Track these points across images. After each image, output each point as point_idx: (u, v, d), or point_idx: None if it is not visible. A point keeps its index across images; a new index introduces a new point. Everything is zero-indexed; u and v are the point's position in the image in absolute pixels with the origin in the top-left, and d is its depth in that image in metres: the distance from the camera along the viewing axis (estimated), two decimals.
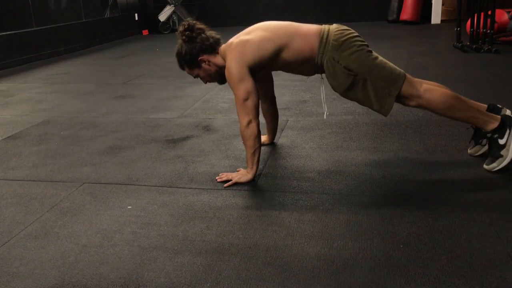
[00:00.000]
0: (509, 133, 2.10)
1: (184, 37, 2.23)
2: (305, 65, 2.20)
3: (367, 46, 2.14)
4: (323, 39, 2.11)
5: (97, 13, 8.06)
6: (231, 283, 1.50)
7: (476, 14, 5.29)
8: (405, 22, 8.30)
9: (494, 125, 2.13)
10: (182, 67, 2.34)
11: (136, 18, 9.35)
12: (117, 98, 4.10)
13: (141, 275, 1.57)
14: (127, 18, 9.05)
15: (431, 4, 8.27)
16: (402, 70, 2.12)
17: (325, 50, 2.10)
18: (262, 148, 2.65)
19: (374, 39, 6.81)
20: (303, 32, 2.15)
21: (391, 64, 2.13)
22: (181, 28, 2.25)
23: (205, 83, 2.43)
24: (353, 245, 1.67)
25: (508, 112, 2.14)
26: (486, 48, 5.14)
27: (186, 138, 2.94)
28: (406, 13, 8.21)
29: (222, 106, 3.63)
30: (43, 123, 3.45)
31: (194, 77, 2.39)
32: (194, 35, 2.23)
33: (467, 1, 6.81)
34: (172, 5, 9.12)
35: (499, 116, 2.15)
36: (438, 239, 1.67)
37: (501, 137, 2.12)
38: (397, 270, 1.51)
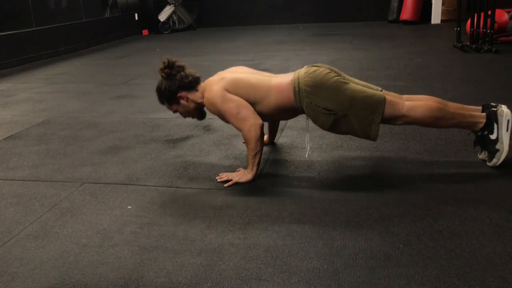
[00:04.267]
0: (497, 126, 2.13)
1: (163, 74, 2.32)
2: (287, 114, 2.30)
3: (339, 75, 2.18)
4: (296, 88, 2.16)
5: (97, 13, 8.06)
6: (231, 283, 1.50)
7: (476, 14, 5.29)
8: (405, 22, 8.30)
9: (482, 123, 2.16)
10: (161, 102, 2.42)
11: (136, 18, 9.35)
12: (117, 98, 4.10)
13: (141, 275, 1.57)
14: (127, 18, 9.05)
15: (431, 4, 8.27)
16: (380, 93, 2.15)
17: (301, 97, 2.16)
18: (263, 147, 2.65)
19: (374, 39, 6.81)
20: (277, 85, 2.21)
21: (368, 89, 2.16)
22: (161, 65, 2.35)
23: (184, 118, 2.50)
24: (353, 245, 1.67)
25: (503, 108, 2.15)
26: (486, 48, 5.14)
27: (186, 138, 2.94)
28: (406, 13, 8.21)
29: None
30: (43, 123, 3.45)
31: (173, 112, 2.46)
32: (173, 72, 2.33)
33: (467, 1, 6.81)
34: (172, 5, 9.12)
35: (484, 114, 2.17)
36: (438, 239, 1.67)
37: (491, 133, 2.15)
38: (397, 270, 1.51)
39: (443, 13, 8.29)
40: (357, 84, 2.19)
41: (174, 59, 2.36)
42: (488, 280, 1.44)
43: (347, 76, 2.24)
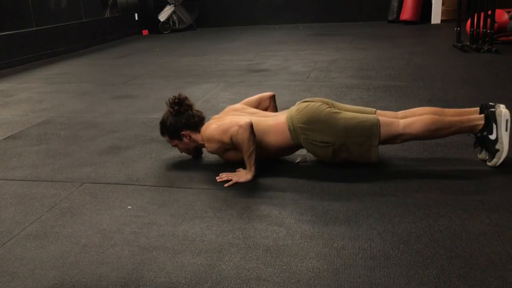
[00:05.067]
0: (496, 126, 2.14)
1: (172, 110, 2.36)
2: (287, 150, 2.35)
3: (331, 106, 2.23)
4: (291, 126, 2.22)
5: (97, 13, 8.06)
6: (231, 283, 1.50)
7: (476, 14, 5.29)
8: (405, 22, 8.30)
9: (480, 125, 2.17)
10: (163, 134, 2.48)
11: (136, 18, 9.35)
12: (117, 98, 4.10)
13: (141, 275, 1.57)
14: (127, 18, 9.05)
15: (431, 4, 8.27)
16: (374, 116, 2.19)
17: (296, 134, 2.21)
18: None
19: (374, 39, 6.81)
20: (273, 126, 2.26)
21: (361, 116, 2.19)
22: (171, 100, 2.38)
23: (180, 153, 2.55)
24: (353, 245, 1.67)
25: (502, 108, 2.15)
26: (486, 48, 5.14)
27: None
28: (406, 13, 8.21)
29: (222, 106, 3.62)
30: (43, 123, 3.45)
31: (172, 146, 2.50)
32: (182, 110, 2.37)
33: (467, 1, 6.81)
34: (172, 5, 9.12)
35: (482, 115, 2.17)
36: (438, 239, 1.67)
37: (490, 133, 2.15)
38: (397, 270, 1.51)
39: (443, 13, 8.29)
40: (350, 111, 2.24)
41: (184, 96, 2.41)
42: (488, 280, 1.44)
43: (339, 105, 2.30)
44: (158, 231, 1.84)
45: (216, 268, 1.58)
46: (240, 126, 2.14)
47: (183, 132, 2.38)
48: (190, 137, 2.39)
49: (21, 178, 2.46)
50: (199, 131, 2.38)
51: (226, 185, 2.20)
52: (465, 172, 2.21)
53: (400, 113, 2.28)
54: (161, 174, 2.40)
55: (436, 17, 8.28)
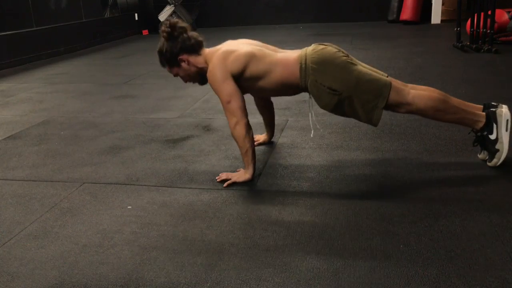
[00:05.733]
0: (497, 126, 2.13)
1: (165, 34, 2.27)
2: (289, 90, 2.25)
3: (347, 56, 2.15)
4: (302, 64, 2.12)
5: (97, 13, 8.06)
6: (231, 283, 1.50)
7: (476, 14, 5.29)
8: (405, 22, 8.30)
9: (482, 123, 2.16)
10: (162, 64, 2.39)
11: (136, 18, 9.35)
12: (117, 98, 4.10)
13: (141, 275, 1.57)
14: (127, 18, 9.05)
15: (431, 4, 8.27)
16: (387, 78, 2.12)
17: (306, 74, 2.12)
18: (263, 147, 2.65)
19: (374, 39, 6.81)
20: (283, 60, 2.18)
21: (375, 74, 2.13)
22: (163, 27, 2.29)
23: (185, 82, 2.45)
24: (353, 245, 1.67)
25: (503, 108, 2.15)
26: (486, 48, 5.14)
27: (186, 138, 2.94)
28: (406, 13, 8.21)
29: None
30: (43, 123, 3.45)
31: (174, 76, 2.42)
32: (175, 34, 2.27)
33: (467, 1, 6.81)
34: (172, 5, 9.12)
35: (484, 114, 2.17)
36: (438, 239, 1.67)
37: (491, 133, 2.15)
38: (397, 270, 1.51)
39: (443, 13, 8.29)
40: (365, 67, 2.16)
41: (176, 20, 2.30)
42: (488, 280, 1.44)
43: (354, 58, 2.20)
44: (158, 231, 1.84)
45: (216, 268, 1.58)
46: (238, 123, 2.13)
47: (180, 57, 2.28)
48: (188, 61, 2.29)
49: (21, 178, 2.46)
50: (199, 54, 2.30)
51: (225, 184, 2.20)
52: (465, 172, 2.21)
53: (410, 85, 2.20)
54: (161, 174, 2.40)
55: (436, 17, 8.28)
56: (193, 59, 2.29)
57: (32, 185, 2.36)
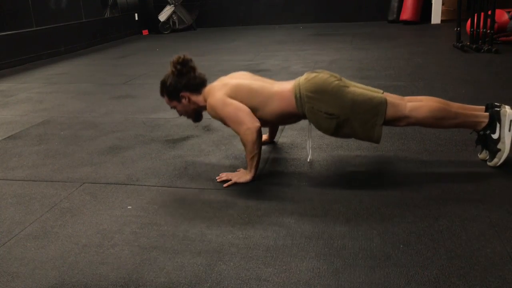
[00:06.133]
0: (500, 126, 2.13)
1: (175, 69, 2.31)
2: (289, 119, 2.32)
3: (339, 80, 2.19)
4: (297, 94, 2.17)
5: (97, 13, 8.06)
6: (231, 283, 1.50)
7: (476, 14, 5.29)
8: (405, 22, 8.30)
9: (484, 123, 2.16)
10: (162, 94, 2.43)
11: (136, 18, 9.35)
12: (117, 98, 4.10)
13: (141, 275, 1.57)
14: (127, 18, 9.05)
15: (431, 4, 8.27)
16: (382, 95, 2.15)
17: (302, 103, 2.16)
18: (263, 147, 2.65)
19: (374, 39, 6.81)
20: (279, 92, 2.22)
21: (369, 93, 2.15)
22: (175, 59, 2.33)
23: (179, 116, 2.50)
24: (353, 245, 1.67)
25: (507, 108, 2.15)
26: (486, 48, 5.14)
27: (186, 138, 2.94)
28: (406, 13, 8.21)
29: None
30: (43, 123, 3.45)
31: (171, 108, 2.46)
32: (184, 71, 2.32)
33: (467, 1, 6.81)
34: (172, 5, 9.12)
35: (487, 113, 2.17)
36: (438, 239, 1.67)
37: (493, 132, 2.15)
38: (397, 270, 1.51)
39: (443, 13, 8.29)
40: (358, 88, 2.19)
41: (189, 58, 2.34)
42: (488, 280, 1.44)
43: (347, 80, 2.25)
44: (158, 231, 1.84)
45: (216, 268, 1.58)
46: (248, 128, 2.13)
47: (182, 94, 2.33)
48: (189, 99, 2.34)
49: (21, 178, 2.46)
50: (200, 93, 2.34)
51: (225, 185, 2.20)
52: (465, 172, 2.21)
53: (407, 98, 2.23)
54: (161, 174, 2.40)
55: (436, 17, 8.28)
56: (194, 97, 2.34)
57: (32, 185, 2.36)
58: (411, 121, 2.13)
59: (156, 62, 5.90)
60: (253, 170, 2.21)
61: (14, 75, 5.55)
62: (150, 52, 6.88)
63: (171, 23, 9.28)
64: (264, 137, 2.72)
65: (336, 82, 2.15)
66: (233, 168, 2.38)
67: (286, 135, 2.86)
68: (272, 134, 2.71)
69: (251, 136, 2.13)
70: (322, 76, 2.18)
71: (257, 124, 2.15)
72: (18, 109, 3.89)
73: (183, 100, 2.35)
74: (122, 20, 8.86)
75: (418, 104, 2.14)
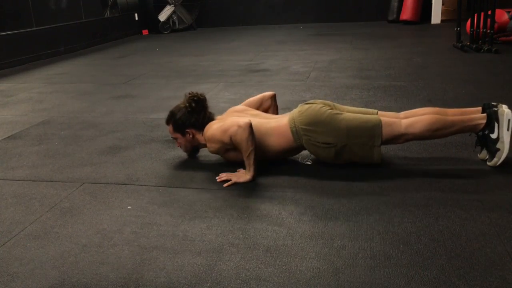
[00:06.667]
0: (498, 125, 2.14)
1: (188, 105, 2.34)
2: (290, 151, 2.35)
3: (332, 108, 2.24)
4: (293, 128, 2.22)
5: (97, 13, 8.06)
6: (231, 283, 1.50)
7: (476, 14, 5.29)
8: (405, 22, 8.30)
9: (482, 124, 2.17)
10: (168, 124, 2.45)
11: (136, 18, 9.35)
12: (117, 98, 4.10)
13: (141, 275, 1.57)
14: (127, 18, 9.05)
15: (431, 4, 8.27)
16: (376, 116, 2.19)
17: (299, 136, 2.22)
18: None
19: (374, 39, 6.81)
20: (276, 128, 2.27)
21: (363, 116, 2.20)
22: (191, 94, 2.37)
23: (177, 146, 2.53)
24: (353, 245, 1.67)
25: (504, 107, 2.15)
26: (486, 48, 5.14)
27: None
28: (406, 13, 8.21)
29: (223, 106, 3.62)
30: (43, 123, 3.45)
31: (172, 138, 2.49)
32: (197, 109, 2.35)
33: (467, 1, 6.82)
34: (172, 5, 9.12)
35: (484, 114, 2.18)
36: (438, 239, 1.67)
37: (492, 132, 2.16)
38: (397, 270, 1.51)
39: (443, 13, 8.29)
40: (352, 112, 2.25)
41: (205, 97, 2.40)
42: (488, 280, 1.44)
43: (341, 106, 2.31)
44: (158, 231, 1.84)
45: (216, 268, 1.58)
46: (239, 126, 2.14)
47: (188, 130, 2.37)
48: (193, 136, 2.39)
49: (21, 178, 2.46)
50: (202, 131, 2.38)
51: (225, 185, 2.20)
52: (465, 172, 2.21)
53: (402, 113, 2.28)
54: (161, 174, 2.40)
55: (436, 17, 8.28)
56: (198, 135, 2.39)
57: (32, 185, 2.36)
58: (409, 138, 2.18)
59: (156, 62, 5.90)
60: (252, 169, 2.21)
61: (14, 75, 5.55)
62: (150, 52, 6.88)
63: (171, 23, 9.28)
64: None
65: (329, 111, 2.20)
66: (233, 169, 2.37)
67: None
68: None
69: (243, 133, 2.14)
70: (315, 107, 2.23)
71: (247, 120, 2.17)
72: (18, 109, 3.89)
73: (187, 136, 2.40)
74: (122, 20, 8.86)
75: (413, 120, 2.18)
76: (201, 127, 2.37)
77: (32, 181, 2.41)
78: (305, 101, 2.38)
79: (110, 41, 8.36)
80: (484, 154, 2.28)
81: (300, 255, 1.62)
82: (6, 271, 1.64)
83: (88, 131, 3.19)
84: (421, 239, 1.67)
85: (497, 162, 2.18)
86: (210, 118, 2.40)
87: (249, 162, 2.20)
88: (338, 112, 2.22)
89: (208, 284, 1.50)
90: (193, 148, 2.49)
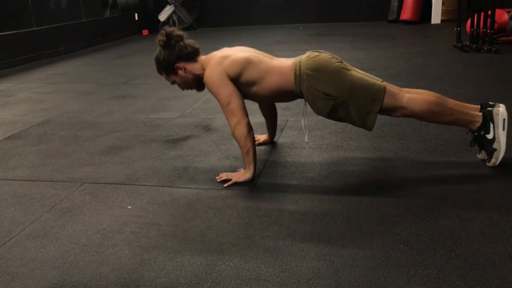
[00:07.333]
0: (493, 126, 2.13)
1: (161, 43, 2.28)
2: (284, 97, 2.28)
3: (341, 62, 2.17)
4: (297, 71, 2.15)
5: (97, 13, 8.06)
6: (231, 283, 1.50)
7: (476, 14, 5.29)
8: (405, 22, 8.30)
9: (479, 123, 2.16)
10: (160, 72, 2.39)
11: (136, 18, 9.35)
12: (117, 98, 4.10)
13: (141, 275, 1.57)
14: (127, 18, 9.05)
15: (431, 4, 8.27)
16: (381, 83, 2.14)
17: (301, 80, 2.14)
18: (263, 147, 2.65)
19: (374, 39, 6.81)
20: (278, 66, 2.21)
21: (369, 79, 2.15)
22: (159, 36, 2.30)
23: (182, 90, 2.47)
24: (353, 245, 1.67)
25: (501, 107, 2.15)
26: (486, 48, 5.14)
27: (186, 138, 2.94)
28: (406, 13, 8.21)
29: None
30: (43, 123, 3.45)
31: (171, 83, 2.43)
32: (172, 42, 2.28)
33: (467, 1, 6.82)
34: (172, 5, 9.12)
35: (481, 113, 2.17)
36: (438, 239, 1.67)
37: (487, 132, 2.15)
38: (397, 270, 1.51)
39: (443, 13, 8.29)
40: (359, 73, 2.18)
41: (172, 29, 2.31)
42: (488, 280, 1.44)
43: (349, 65, 2.22)
44: (158, 231, 1.84)
45: (216, 268, 1.58)
46: (239, 122, 2.13)
47: (177, 65, 2.29)
48: (185, 69, 2.30)
49: (21, 178, 2.46)
50: (195, 61, 2.31)
51: (225, 185, 2.20)
52: (465, 172, 2.21)
53: (405, 89, 2.22)
54: (161, 174, 2.40)
55: (436, 17, 8.28)
56: (190, 66, 2.31)
57: (32, 185, 2.36)
58: (407, 113, 2.12)
59: None
60: (251, 167, 2.21)
61: (14, 75, 5.55)
62: (150, 52, 6.84)
63: (171, 23, 9.27)
64: (264, 137, 2.72)
65: (338, 63, 2.14)
66: (233, 168, 2.38)
67: (286, 135, 2.86)
68: (272, 134, 2.71)
69: (242, 130, 2.14)
70: (324, 56, 2.16)
71: (246, 119, 2.16)
72: (18, 109, 3.89)
73: (180, 72, 2.32)
74: (122, 20, 8.86)
75: (415, 96, 2.14)
76: (189, 57, 2.29)
77: (32, 181, 2.41)
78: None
79: (110, 41, 8.36)
80: (483, 155, 2.28)
81: (300, 255, 1.62)
82: (6, 271, 1.64)
83: (88, 131, 3.19)
84: (421, 239, 1.67)
85: (495, 163, 2.18)
86: (192, 45, 2.31)
87: (248, 159, 2.20)
88: (347, 67, 2.15)
89: (208, 284, 1.50)
90: (196, 82, 2.38)
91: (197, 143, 2.82)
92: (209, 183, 2.25)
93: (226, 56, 2.24)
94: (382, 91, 2.09)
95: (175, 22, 9.34)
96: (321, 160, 2.45)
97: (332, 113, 2.14)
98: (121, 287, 1.51)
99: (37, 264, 1.67)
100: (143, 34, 9.45)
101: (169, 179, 2.33)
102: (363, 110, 2.10)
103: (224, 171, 2.33)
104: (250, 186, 2.18)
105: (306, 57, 2.18)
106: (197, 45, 2.35)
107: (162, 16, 9.12)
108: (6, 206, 2.14)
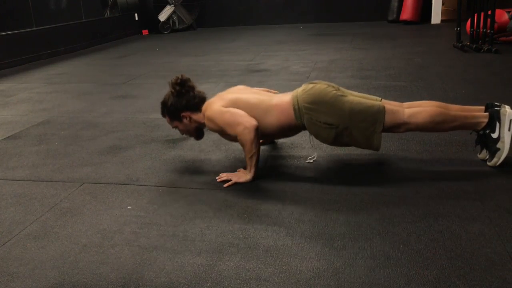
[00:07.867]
0: (499, 125, 2.13)
1: (173, 90, 2.33)
2: (289, 132, 2.32)
3: (337, 89, 2.20)
4: (295, 106, 2.18)
5: (97, 13, 8.06)
6: (231, 283, 1.50)
7: (476, 14, 5.29)
8: (405, 22, 8.31)
9: (484, 123, 2.17)
10: (163, 115, 2.45)
11: (136, 18, 9.35)
12: (117, 98, 4.10)
13: (141, 275, 1.57)
14: (127, 18, 9.05)
15: (431, 4, 8.27)
16: (380, 102, 2.16)
17: (301, 114, 2.18)
18: (263, 147, 2.65)
19: (374, 39, 6.81)
20: (278, 104, 2.23)
21: (367, 101, 2.17)
22: (173, 80, 2.35)
23: (181, 135, 2.53)
24: (353, 245, 1.67)
25: (507, 108, 2.15)
26: (486, 48, 5.14)
27: (186, 138, 2.94)
28: (406, 13, 8.21)
29: None
30: (43, 123, 3.45)
31: (173, 128, 2.47)
32: (183, 91, 2.33)
33: (467, 1, 6.82)
34: (172, 5, 9.12)
35: (486, 113, 2.17)
36: (438, 239, 1.67)
37: (493, 131, 2.15)
38: (397, 270, 1.51)
39: (443, 13, 8.29)
40: (356, 96, 2.22)
41: (187, 77, 2.37)
42: (488, 280, 1.44)
43: (345, 90, 2.27)
44: (158, 231, 1.84)
45: (216, 268, 1.58)
46: (246, 128, 2.13)
47: (183, 114, 2.35)
48: (190, 118, 2.35)
49: (21, 178, 2.46)
50: (200, 111, 2.34)
51: (225, 185, 2.20)
52: (465, 172, 2.21)
53: (406, 104, 2.25)
54: (161, 174, 2.40)
55: (436, 17, 8.28)
56: (195, 116, 2.36)
57: (32, 185, 2.36)
58: (410, 127, 2.16)
59: (156, 62, 5.90)
60: (252, 170, 2.21)
61: (14, 75, 5.55)
62: (150, 52, 6.88)
63: (171, 23, 9.28)
64: None
65: (334, 92, 2.17)
66: (233, 168, 2.38)
67: None
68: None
69: (249, 135, 2.14)
70: (320, 86, 2.20)
71: (254, 122, 2.15)
72: (18, 109, 3.89)
73: (185, 120, 2.37)
74: (122, 20, 8.86)
75: (417, 110, 2.16)
76: (195, 107, 2.33)
77: (32, 181, 2.41)
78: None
79: (110, 41, 8.36)
80: (484, 154, 2.28)
81: (300, 255, 1.62)
82: (6, 271, 1.64)
83: (88, 131, 3.19)
84: (421, 239, 1.67)
85: (497, 162, 2.18)
86: (201, 96, 2.36)
87: (251, 163, 2.20)
88: (343, 94, 2.18)
89: (208, 284, 1.50)
90: (197, 131, 2.45)
91: (197, 143, 2.82)
92: (209, 183, 2.25)
93: (223, 98, 2.30)
94: (382, 111, 2.12)
95: (175, 22, 9.34)
96: (321, 160, 2.45)
97: (337, 140, 2.19)
98: (121, 287, 1.51)
99: (37, 264, 1.67)
100: (143, 34, 9.45)
101: (169, 179, 2.33)
102: (367, 132, 2.13)
103: (224, 171, 2.33)
104: (250, 186, 2.18)
105: (302, 90, 2.22)
106: (204, 95, 2.40)
107: (162, 16, 9.12)
108: (6, 206, 2.14)
